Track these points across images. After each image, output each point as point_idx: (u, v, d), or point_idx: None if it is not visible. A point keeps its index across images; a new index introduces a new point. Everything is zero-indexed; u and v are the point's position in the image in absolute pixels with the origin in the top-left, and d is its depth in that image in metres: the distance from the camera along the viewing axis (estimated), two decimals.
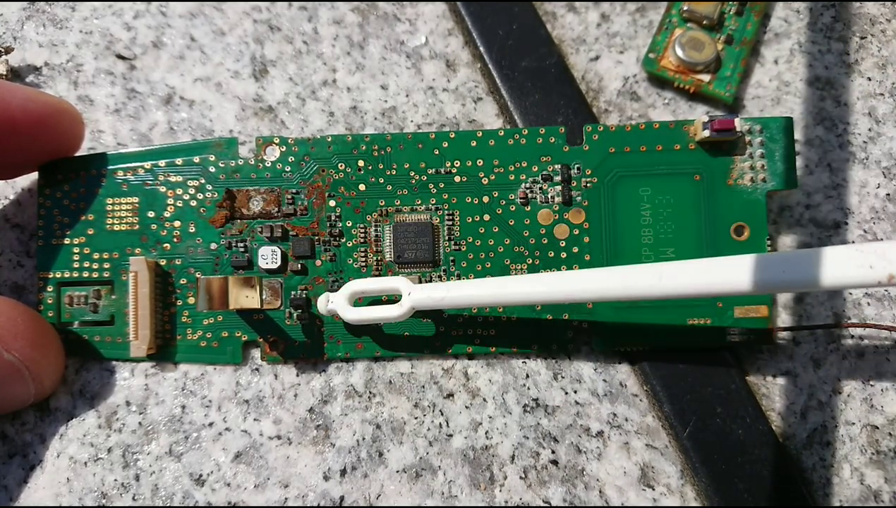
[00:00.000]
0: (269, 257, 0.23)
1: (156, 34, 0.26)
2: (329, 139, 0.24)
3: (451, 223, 0.24)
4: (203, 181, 0.24)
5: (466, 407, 0.23)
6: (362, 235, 0.23)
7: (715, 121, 0.22)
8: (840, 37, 0.27)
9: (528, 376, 0.24)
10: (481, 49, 0.26)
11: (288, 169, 0.24)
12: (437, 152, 0.24)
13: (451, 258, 0.23)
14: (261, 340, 0.23)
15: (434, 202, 0.24)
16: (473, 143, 0.24)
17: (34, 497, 0.22)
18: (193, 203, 0.24)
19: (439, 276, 0.23)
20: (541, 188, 0.24)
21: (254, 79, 0.26)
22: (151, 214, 0.24)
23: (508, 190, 0.24)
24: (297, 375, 0.24)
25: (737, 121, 0.22)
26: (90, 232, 0.23)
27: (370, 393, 0.23)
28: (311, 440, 0.23)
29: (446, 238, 0.23)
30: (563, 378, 0.24)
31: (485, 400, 0.23)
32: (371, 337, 0.23)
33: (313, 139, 0.24)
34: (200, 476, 0.23)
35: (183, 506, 0.22)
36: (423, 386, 0.24)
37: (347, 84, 0.26)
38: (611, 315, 0.23)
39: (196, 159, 0.24)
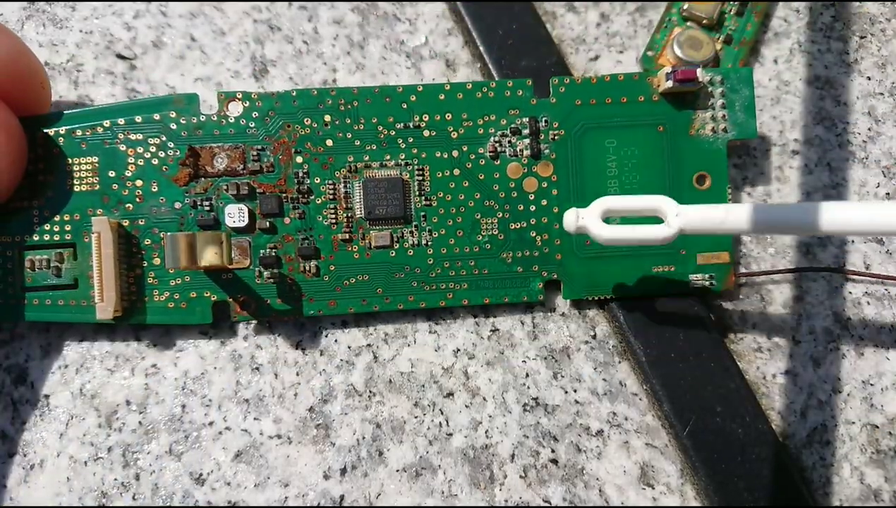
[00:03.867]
0: (235, 215, 0.23)
1: (156, 34, 0.26)
2: (294, 94, 0.23)
3: (420, 178, 0.23)
4: (164, 138, 0.23)
5: (466, 406, 0.23)
6: (331, 192, 0.23)
7: (678, 71, 0.23)
8: (840, 36, 0.27)
9: (527, 375, 0.24)
10: (481, 49, 0.26)
11: (252, 125, 0.23)
12: (405, 106, 0.23)
13: (423, 213, 0.23)
14: (231, 300, 0.23)
15: (403, 157, 0.23)
16: (442, 97, 0.23)
17: (34, 497, 0.22)
18: (155, 161, 0.23)
19: (411, 232, 0.23)
20: (509, 141, 0.24)
21: (254, 79, 0.26)
22: (112, 174, 0.23)
23: (477, 143, 0.24)
24: (297, 374, 0.24)
25: (699, 71, 0.23)
26: (50, 194, 0.23)
27: (370, 392, 0.23)
28: (311, 439, 0.23)
29: (417, 193, 0.23)
30: (562, 377, 0.24)
31: (485, 399, 0.23)
32: (343, 295, 0.23)
33: (277, 94, 0.23)
34: (200, 475, 0.23)
35: (183, 506, 0.22)
36: (423, 385, 0.24)
37: (347, 84, 0.26)
38: (579, 265, 0.24)
39: (156, 116, 0.23)
